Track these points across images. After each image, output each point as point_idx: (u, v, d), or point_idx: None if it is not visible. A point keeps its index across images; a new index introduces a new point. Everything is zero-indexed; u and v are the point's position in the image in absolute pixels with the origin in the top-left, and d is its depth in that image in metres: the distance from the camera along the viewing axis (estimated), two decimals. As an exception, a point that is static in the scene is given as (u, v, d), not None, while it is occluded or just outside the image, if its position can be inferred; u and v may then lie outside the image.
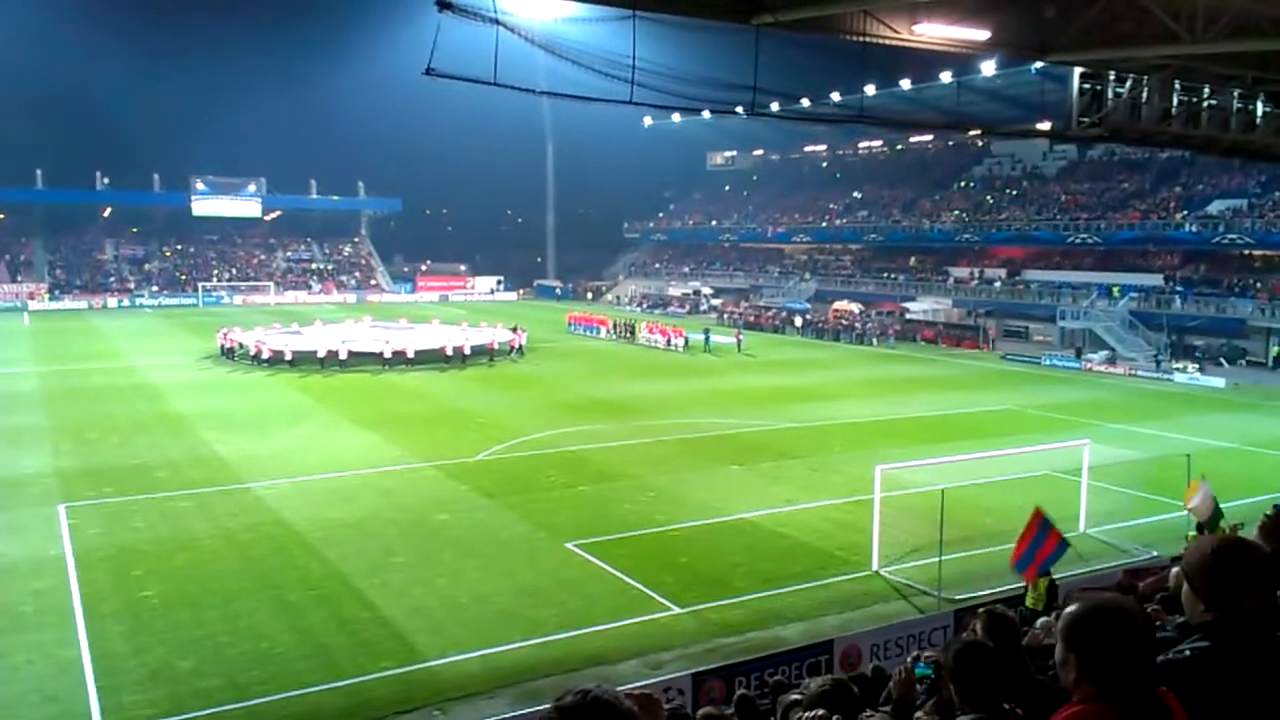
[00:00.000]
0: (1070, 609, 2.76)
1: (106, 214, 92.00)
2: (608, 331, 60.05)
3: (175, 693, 13.17)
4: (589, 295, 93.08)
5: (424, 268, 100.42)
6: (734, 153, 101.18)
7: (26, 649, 14.47)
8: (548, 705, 2.19)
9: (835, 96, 53.44)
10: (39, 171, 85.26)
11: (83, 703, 12.91)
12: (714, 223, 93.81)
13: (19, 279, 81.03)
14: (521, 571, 18.04)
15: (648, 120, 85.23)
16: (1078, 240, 60.82)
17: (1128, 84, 16.41)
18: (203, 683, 13.46)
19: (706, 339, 54.32)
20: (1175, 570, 7.46)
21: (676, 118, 76.92)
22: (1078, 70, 16.17)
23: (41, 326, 62.93)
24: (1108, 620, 2.63)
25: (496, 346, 48.97)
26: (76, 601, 16.29)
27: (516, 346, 49.82)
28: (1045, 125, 32.08)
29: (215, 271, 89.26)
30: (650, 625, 15.72)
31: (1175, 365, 46.82)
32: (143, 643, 14.70)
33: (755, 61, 16.30)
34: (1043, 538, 14.44)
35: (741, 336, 56.08)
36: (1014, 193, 70.81)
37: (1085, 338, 52.89)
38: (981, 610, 5.98)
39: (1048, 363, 50.00)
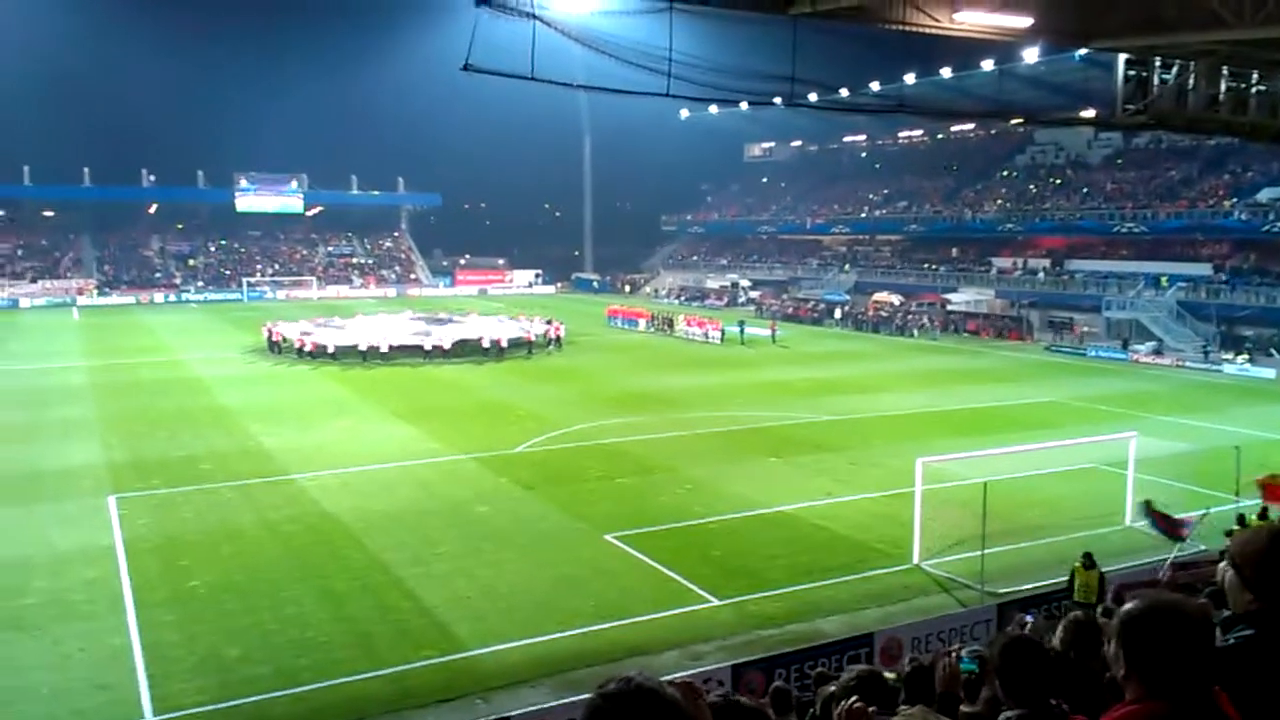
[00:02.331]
0: (1127, 606, 2.71)
1: (152, 210, 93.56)
2: (646, 324, 60.08)
3: (224, 680, 13.43)
4: (626, 288, 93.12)
5: (463, 261, 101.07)
6: (772, 144, 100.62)
7: (78, 637, 14.81)
8: (592, 694, 2.21)
9: (875, 86, 53.03)
10: (86, 169, 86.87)
11: (133, 690, 13.19)
12: (752, 215, 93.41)
13: (68, 275, 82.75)
14: (561, 562, 18.16)
15: (685, 113, 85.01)
16: (1123, 230, 59.78)
17: (1174, 70, 16.10)
18: (250, 670, 13.71)
19: (741, 330, 54.32)
20: (1223, 564, 7.34)
21: (714, 109, 76.63)
22: (1123, 57, 15.90)
23: (90, 321, 64.23)
24: (1164, 620, 2.58)
25: (534, 339, 49.22)
26: (127, 590, 16.65)
27: (554, 339, 50.01)
28: (1090, 113, 31.59)
29: (259, 267, 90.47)
30: (689, 617, 15.76)
31: (1224, 356, 45.91)
32: (191, 631, 15.00)
33: (793, 52, 16.20)
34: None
35: (777, 328, 55.96)
36: (1058, 182, 69.72)
37: (1132, 329, 52.01)
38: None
39: (1093, 354, 49.27)
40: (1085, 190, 66.03)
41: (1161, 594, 2.78)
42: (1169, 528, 16.20)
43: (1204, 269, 54.43)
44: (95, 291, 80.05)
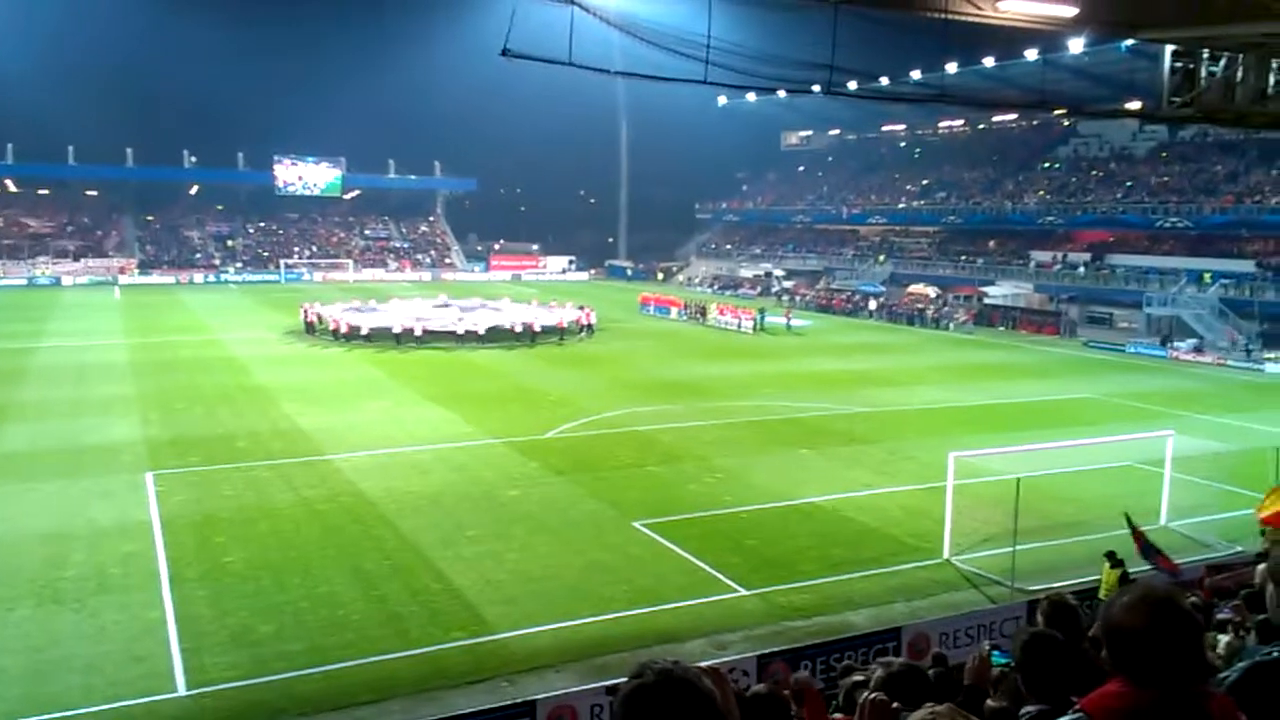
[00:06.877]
0: (1117, 596, 2.70)
1: (193, 191, 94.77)
2: (679, 312, 60.07)
3: (256, 655, 13.64)
4: (660, 276, 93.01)
5: (497, 247, 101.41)
6: (809, 132, 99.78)
7: (114, 610, 15.09)
8: (626, 679, 2.13)
9: (915, 74, 52.39)
10: (129, 150, 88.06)
11: (166, 663, 13.42)
12: (787, 204, 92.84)
13: (111, 254, 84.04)
14: (590, 548, 18.22)
15: (722, 100, 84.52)
16: (1167, 224, 58.75)
17: (1222, 62, 15.74)
18: (282, 646, 13.91)
19: (762, 318, 55.09)
20: (1261, 567, 7.23)
21: (751, 97, 76.12)
22: (1169, 48, 15.56)
23: (131, 300, 65.20)
24: (1149, 610, 2.56)
25: (566, 325, 49.38)
26: (162, 565, 16.93)
27: (586, 325, 50.11)
28: (1135, 105, 31.09)
29: (296, 249, 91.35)
30: (716, 606, 15.76)
31: (1267, 355, 45.07)
32: (225, 606, 15.24)
33: (833, 39, 16.05)
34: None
35: (791, 316, 57.40)
36: (1100, 174, 68.63)
37: (1172, 325, 51.17)
38: (1043, 598, 5.88)
39: (1132, 351, 48.57)
40: (1129, 183, 64.96)
41: (1151, 583, 2.75)
42: (1147, 553, 15.69)
43: (1248, 266, 53.37)
44: (136, 271, 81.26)
